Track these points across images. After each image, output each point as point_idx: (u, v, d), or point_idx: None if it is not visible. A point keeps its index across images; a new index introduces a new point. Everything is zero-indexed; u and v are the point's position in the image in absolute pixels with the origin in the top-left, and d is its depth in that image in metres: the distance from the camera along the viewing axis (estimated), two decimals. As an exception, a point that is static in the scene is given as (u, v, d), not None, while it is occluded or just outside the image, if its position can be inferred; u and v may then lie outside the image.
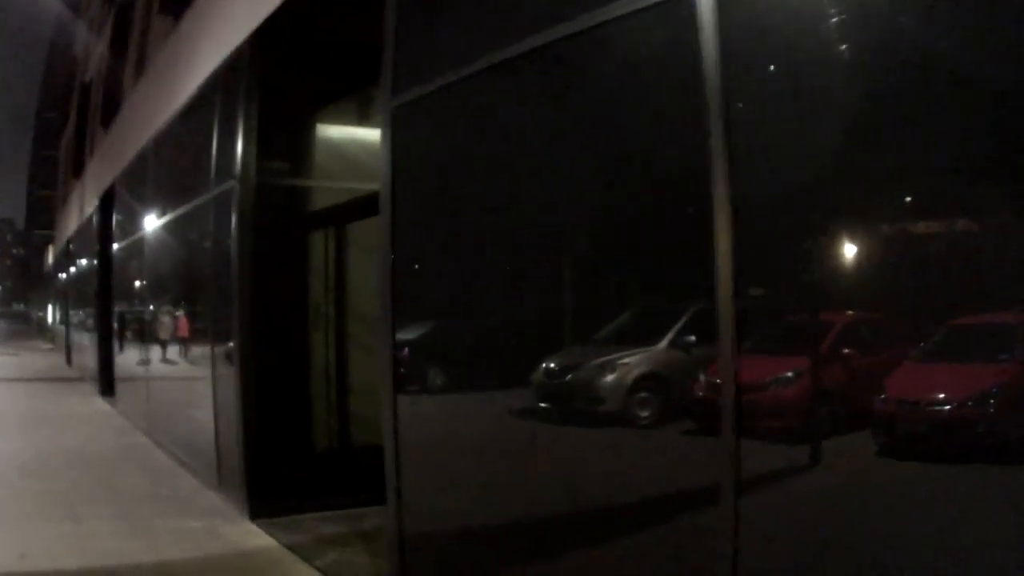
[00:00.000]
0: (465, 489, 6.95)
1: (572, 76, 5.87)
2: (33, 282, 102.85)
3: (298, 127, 12.12)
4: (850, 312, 4.31)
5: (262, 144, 11.28)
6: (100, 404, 23.99)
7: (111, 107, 24.98)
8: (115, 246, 23.07)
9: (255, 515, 10.80)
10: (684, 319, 5.27)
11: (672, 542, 4.97)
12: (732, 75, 4.40)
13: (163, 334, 17.73)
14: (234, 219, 11.25)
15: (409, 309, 7.71)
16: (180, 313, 16.69)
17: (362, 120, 12.36)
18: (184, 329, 16.38)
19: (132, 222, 20.27)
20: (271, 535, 10.21)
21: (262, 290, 11.21)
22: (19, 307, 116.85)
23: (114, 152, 23.44)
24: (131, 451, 16.13)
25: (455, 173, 7.37)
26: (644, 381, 5.56)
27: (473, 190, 7.11)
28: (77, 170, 35.07)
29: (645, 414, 5.56)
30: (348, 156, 12.22)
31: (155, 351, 18.15)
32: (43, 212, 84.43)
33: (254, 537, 10.23)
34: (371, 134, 12.03)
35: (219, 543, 9.95)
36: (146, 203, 18.06)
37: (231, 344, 11.63)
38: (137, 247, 19.59)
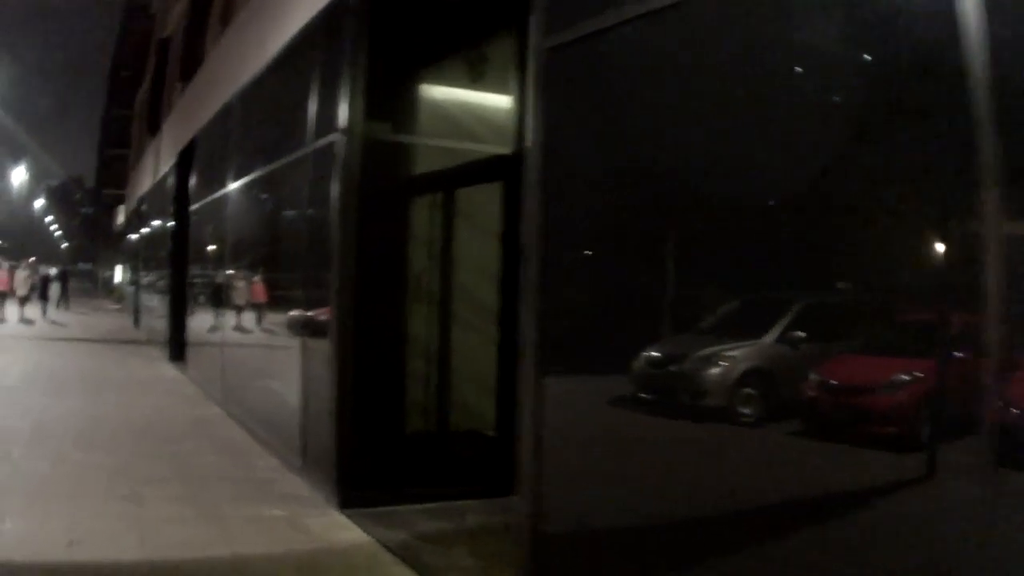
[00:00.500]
0: (610, 484, 6.22)
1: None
2: (101, 241, 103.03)
3: (408, 80, 11.20)
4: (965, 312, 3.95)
5: (370, 95, 10.29)
6: (169, 370, 23.23)
7: (192, 62, 24.42)
8: (192, 206, 22.34)
9: (345, 504, 9.85)
10: (792, 313, 5.07)
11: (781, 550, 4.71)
12: None
13: (238, 299, 17.06)
14: (337, 176, 10.29)
15: (558, 281, 6.77)
16: (257, 278, 16.05)
17: (475, 79, 11.45)
18: (260, 294, 15.75)
19: (211, 181, 19.54)
20: (364, 529, 9.20)
21: (364, 256, 10.28)
22: (86, 266, 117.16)
23: (194, 108, 22.83)
24: (202, 423, 15.24)
25: (615, 129, 6.34)
26: (750, 376, 5.37)
27: (632, 151, 6.17)
28: (152, 127, 34.66)
29: (748, 411, 5.38)
30: (459, 116, 11.30)
31: (230, 316, 17.53)
32: (114, 171, 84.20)
33: (344, 531, 9.23)
34: (483, 95, 11.34)
35: (304, 536, 8.95)
36: (228, 161, 17.28)
37: (325, 313, 10.79)
38: (215, 207, 18.89)
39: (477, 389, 11.41)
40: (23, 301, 38.13)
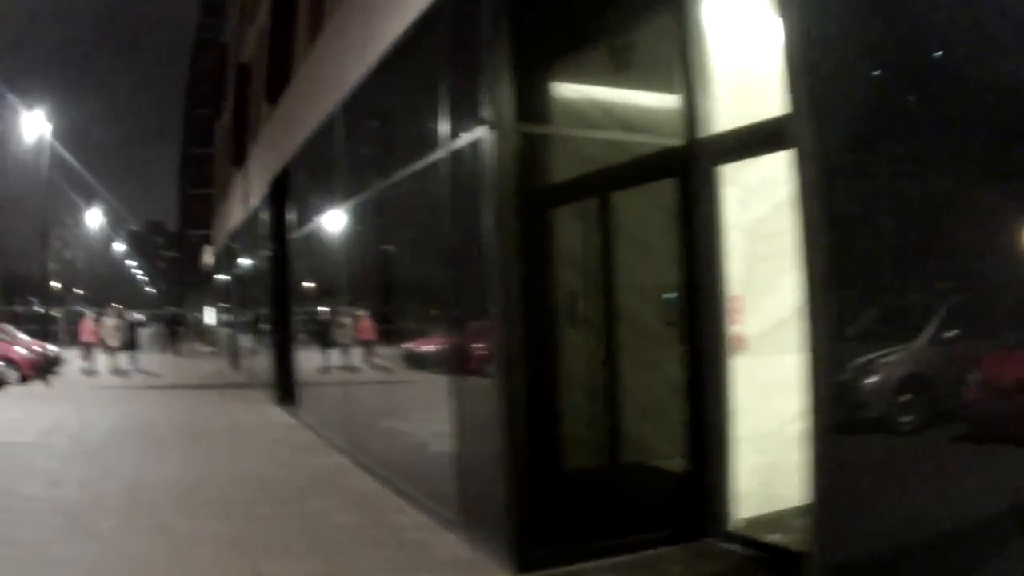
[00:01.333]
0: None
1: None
2: (188, 284, 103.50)
3: (558, 61, 10.14)
4: None
5: (519, 80, 8.92)
6: (278, 415, 21.96)
7: (278, 83, 23.23)
8: (292, 235, 21.16)
9: (524, 567, 8.43)
10: (943, 313, 5.04)
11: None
12: None
13: (362, 334, 15.93)
14: (486, 178, 8.90)
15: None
16: (363, 312, 15.59)
17: (632, 60, 10.21)
18: (369, 331, 15.31)
19: (314, 206, 18.48)
20: (554, 603, 7.72)
21: (528, 273, 8.88)
22: (175, 310, 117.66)
23: (286, 130, 21.70)
24: (326, 475, 13.80)
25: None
26: (907, 382, 5.39)
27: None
28: (237, 159, 33.82)
29: (908, 419, 5.48)
30: (618, 103, 10.06)
31: (352, 353, 16.29)
32: (196, 211, 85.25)
33: (536, 607, 7.75)
34: (643, 79, 10.14)
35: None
36: (334, 181, 16.04)
37: (479, 343, 9.53)
38: (321, 234, 17.79)
39: (654, 421, 10.23)
40: (113, 351, 36.31)
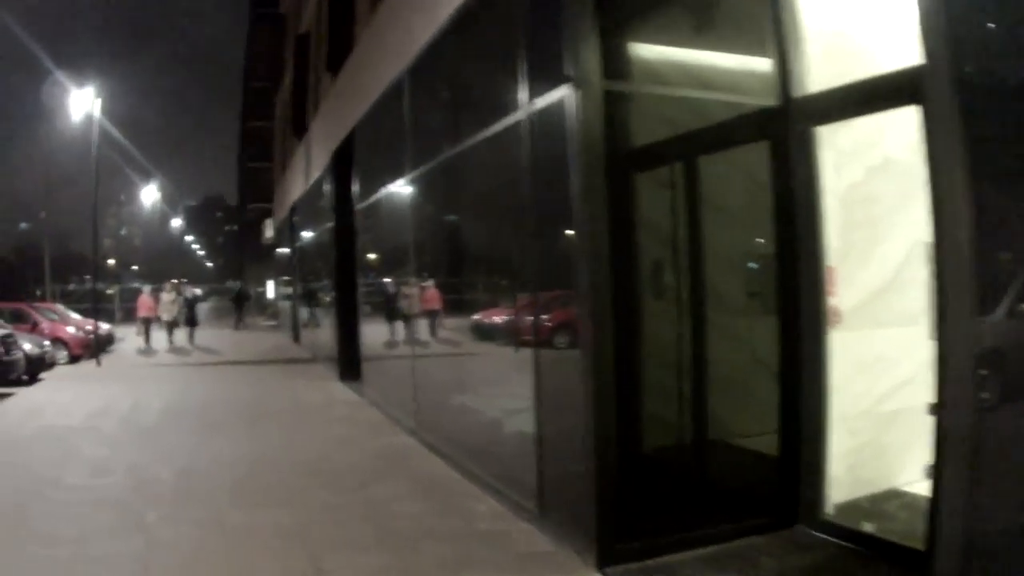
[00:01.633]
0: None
1: None
2: (247, 258, 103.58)
3: (642, 14, 9.42)
4: None
5: (604, 33, 8.30)
6: (342, 391, 21.45)
7: (339, 51, 22.73)
8: (358, 205, 20.59)
9: (606, 561, 7.89)
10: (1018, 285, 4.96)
11: None
12: None
13: (432, 305, 15.44)
14: (571, 139, 8.25)
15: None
16: (430, 283, 15.09)
17: (721, 14, 9.56)
18: (436, 301, 14.83)
19: (380, 175, 17.81)
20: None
21: (613, 240, 8.26)
22: (234, 283, 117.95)
23: (349, 98, 21.18)
24: (393, 457, 13.26)
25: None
26: (987, 357, 5.14)
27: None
28: (298, 130, 33.42)
29: (986, 396, 5.17)
30: (707, 60, 9.26)
31: (421, 326, 15.71)
32: (257, 185, 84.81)
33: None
34: (733, 34, 9.50)
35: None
36: (401, 148, 15.50)
37: (563, 316, 8.97)
38: (389, 203, 17.34)
39: (744, 399, 9.59)
40: (170, 327, 36.64)
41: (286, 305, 46.23)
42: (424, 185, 14.68)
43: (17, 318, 30.92)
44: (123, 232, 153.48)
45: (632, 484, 8.43)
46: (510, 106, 9.85)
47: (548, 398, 9.21)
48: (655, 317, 9.43)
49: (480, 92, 11.73)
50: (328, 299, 26.52)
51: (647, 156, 9.36)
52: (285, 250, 44.14)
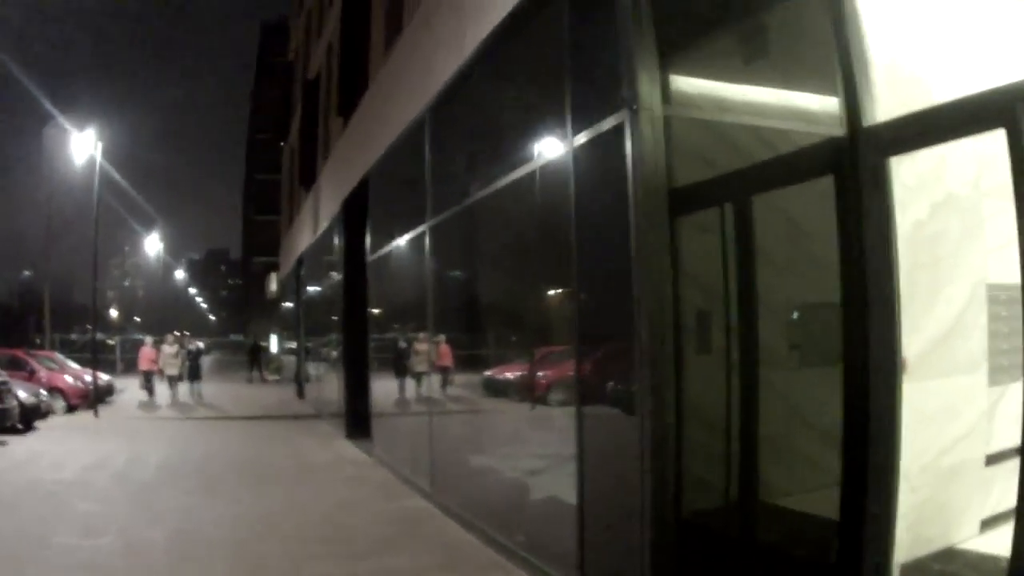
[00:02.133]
0: None
1: None
2: (251, 311, 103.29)
3: (701, 33, 8.55)
4: None
5: (663, 54, 7.57)
6: (349, 450, 20.51)
7: (350, 94, 22.14)
8: (370, 257, 19.83)
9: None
10: None
11: None
12: None
13: (422, 365, 15.25)
14: (630, 171, 7.46)
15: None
16: (441, 337, 14.45)
17: (768, 46, 8.80)
18: (449, 357, 14.28)
19: (391, 226, 17.29)
20: None
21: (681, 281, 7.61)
22: (237, 338, 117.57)
23: (360, 145, 20.53)
24: (408, 522, 12.33)
25: None
26: None
27: None
28: (306, 180, 32.79)
29: None
30: (770, 84, 8.47)
31: (429, 383, 15.15)
32: (260, 238, 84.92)
33: None
34: (797, 57, 8.73)
35: None
36: (416, 196, 14.79)
37: (614, 368, 8.12)
38: (399, 256, 16.80)
39: (798, 461, 8.73)
40: (172, 381, 34.76)
41: (289, 360, 45.80)
42: (443, 234, 13.88)
43: (14, 365, 29.88)
44: (126, 283, 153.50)
45: (691, 554, 7.61)
46: (549, 140, 9.17)
47: (594, 460, 8.34)
48: (706, 370, 8.54)
49: (513, 128, 10.95)
50: (334, 354, 25.83)
51: (705, 189, 8.49)
52: (290, 304, 43.83)
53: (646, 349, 7.29)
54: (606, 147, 7.81)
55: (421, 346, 15.27)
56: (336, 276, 24.55)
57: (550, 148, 9.16)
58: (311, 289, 33.79)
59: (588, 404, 8.53)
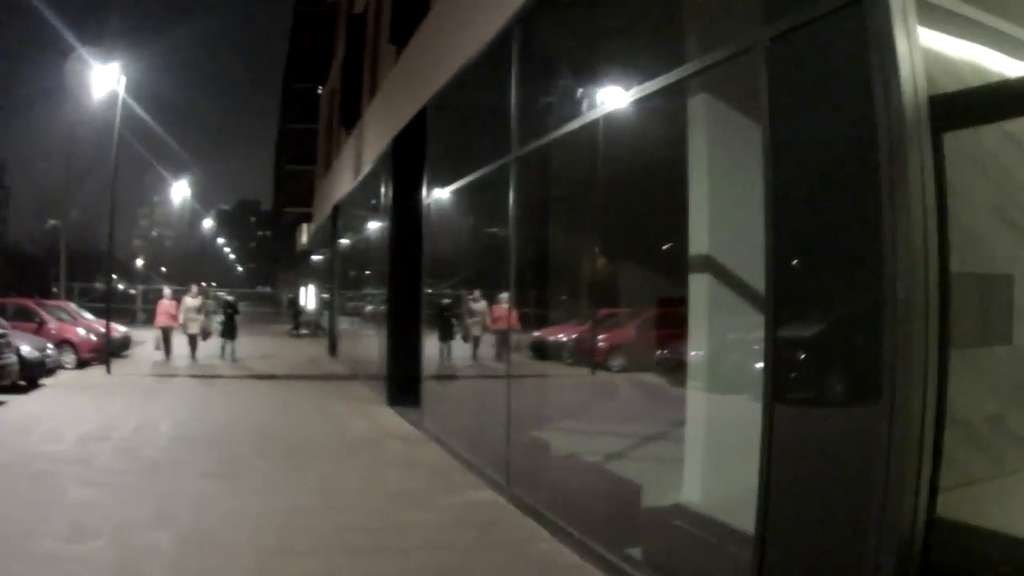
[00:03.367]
0: None
1: None
2: (281, 263, 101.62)
3: None
4: None
5: None
6: (393, 420, 18.04)
7: (406, 20, 19.79)
8: (428, 196, 17.30)
9: None
10: None
11: None
12: None
13: (476, 328, 14.38)
14: (876, 64, 5.20)
15: None
16: (504, 295, 12.47)
17: None
18: (508, 319, 12.22)
19: (459, 160, 14.96)
20: None
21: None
22: (265, 289, 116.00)
23: (418, 73, 18.11)
24: (481, 526, 9.87)
25: None
26: None
27: None
28: (348, 121, 30.71)
29: None
30: None
31: (504, 345, 12.91)
32: (293, 189, 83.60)
33: None
34: None
35: None
36: (497, 122, 12.28)
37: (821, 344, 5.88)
38: (470, 195, 14.55)
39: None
40: (194, 340, 30.99)
41: (322, 314, 44.47)
42: (534, 167, 11.56)
43: (22, 316, 28.03)
44: (154, 233, 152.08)
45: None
46: (713, 37, 6.96)
47: (792, 454, 5.94)
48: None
49: (645, 25, 8.72)
50: (376, 309, 23.66)
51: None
52: (323, 256, 42.52)
53: (901, 322, 4.98)
54: (825, 37, 5.59)
55: (499, 305, 13.06)
56: (381, 223, 22.37)
57: (716, 46, 6.85)
58: (348, 239, 31.78)
59: (782, 390, 6.01)
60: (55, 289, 49.46)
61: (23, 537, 8.63)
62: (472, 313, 14.50)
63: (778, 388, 5.87)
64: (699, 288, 7.84)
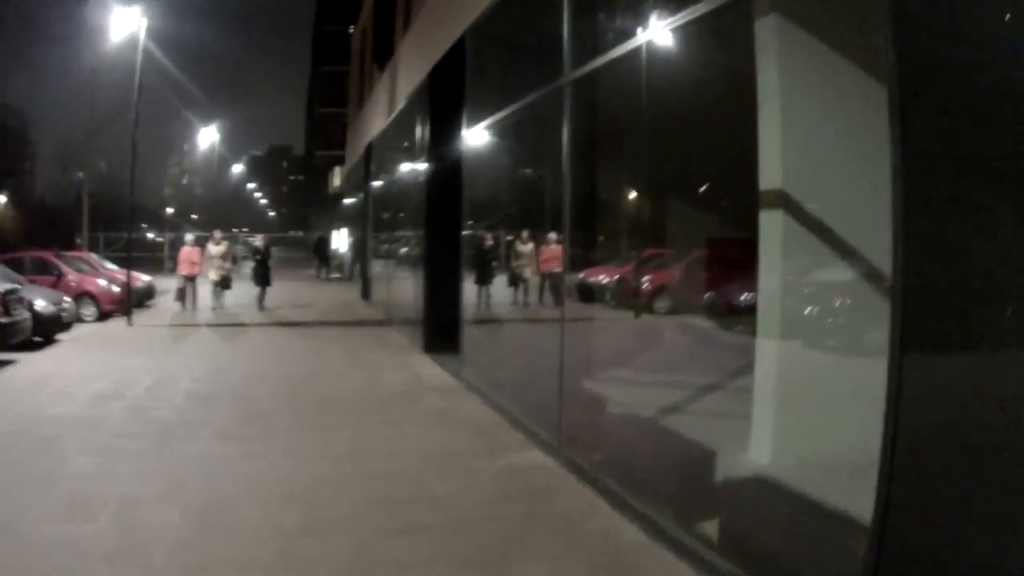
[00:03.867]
0: None
1: None
2: (313, 207, 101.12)
3: None
4: None
5: None
6: (429, 369, 16.93)
7: None
8: (465, 131, 15.88)
9: None
10: None
11: None
12: None
13: (525, 271, 13.75)
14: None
15: None
16: (553, 235, 12.15)
17: None
18: (560, 259, 11.27)
19: (504, 87, 13.65)
20: None
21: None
22: (297, 234, 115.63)
23: (454, 4, 16.85)
24: (531, 496, 8.74)
25: None
26: None
27: None
28: (381, 56, 29.82)
29: None
30: None
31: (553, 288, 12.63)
32: (325, 132, 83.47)
33: None
34: None
35: None
36: (547, 45, 10.95)
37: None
38: (517, 125, 13.22)
39: None
40: (217, 288, 29.44)
41: (355, 257, 43.82)
42: (594, 90, 10.35)
43: (41, 269, 27.17)
44: (184, 181, 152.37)
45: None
46: None
47: (927, 415, 4.78)
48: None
49: None
50: (411, 251, 22.72)
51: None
52: (355, 198, 41.73)
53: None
54: None
55: (548, 245, 12.62)
56: (417, 161, 21.16)
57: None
58: (382, 179, 30.66)
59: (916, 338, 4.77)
60: (79, 240, 48.76)
61: (16, 517, 7.60)
62: (519, 255, 13.73)
63: (909, 336, 4.67)
64: (771, 226, 6.96)
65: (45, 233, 58.26)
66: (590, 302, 11.21)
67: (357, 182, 39.54)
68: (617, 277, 10.96)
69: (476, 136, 15.46)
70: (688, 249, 9.95)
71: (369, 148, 33.61)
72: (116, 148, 64.64)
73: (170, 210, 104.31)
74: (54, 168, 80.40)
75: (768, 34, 7.00)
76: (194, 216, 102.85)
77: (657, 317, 9.17)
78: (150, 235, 70.04)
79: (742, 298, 7.95)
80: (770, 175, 6.97)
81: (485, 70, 15.54)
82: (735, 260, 7.85)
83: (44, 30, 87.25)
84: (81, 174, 64.42)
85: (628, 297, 9.91)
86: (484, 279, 15.87)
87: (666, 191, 9.70)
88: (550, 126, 10.90)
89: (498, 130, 14.34)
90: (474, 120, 15.41)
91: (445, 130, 17.84)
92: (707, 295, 8.99)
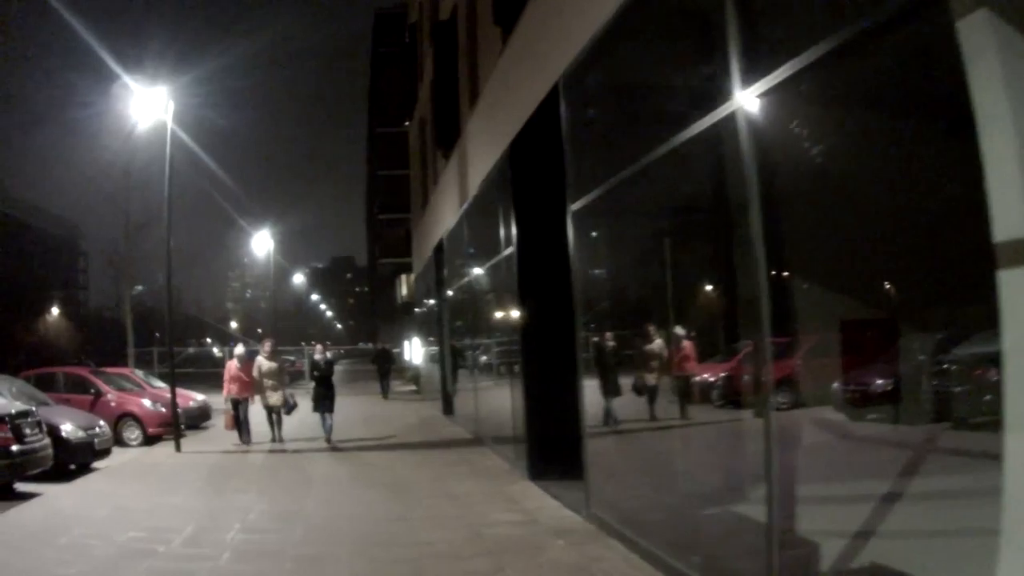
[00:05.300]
0: None
1: None
2: (380, 318, 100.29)
3: None
4: None
5: None
6: (541, 501, 13.88)
7: (511, 6, 16.86)
8: (573, 205, 13.03)
9: None
10: None
11: None
12: None
13: (651, 377, 11.14)
14: None
15: None
16: (681, 331, 10.31)
17: None
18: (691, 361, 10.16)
19: (617, 147, 11.73)
20: None
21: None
22: (366, 346, 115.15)
23: (544, 38, 14.36)
24: None
25: None
26: None
27: None
28: (445, 140, 27.93)
29: None
30: None
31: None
32: (387, 239, 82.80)
33: None
34: None
35: None
36: (698, 60, 8.95)
37: None
38: (663, 179, 10.22)
39: None
40: (274, 413, 24.08)
41: (430, 368, 40.52)
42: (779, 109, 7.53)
43: (76, 387, 25.17)
44: (248, 295, 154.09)
45: None
46: None
47: None
48: None
49: None
50: (501, 357, 20.75)
51: None
52: (427, 305, 39.04)
53: None
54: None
55: (682, 343, 10.39)
56: (500, 253, 18.48)
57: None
58: (457, 280, 27.96)
59: None
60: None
61: None
62: (649, 355, 10.97)
63: None
64: (1019, 288, 5.23)
65: (99, 347, 57.81)
66: (691, 403, 10.15)
67: (427, 288, 37.37)
68: (724, 374, 9.58)
69: (590, 208, 12.51)
70: (805, 334, 8.37)
71: (440, 248, 31.14)
72: (180, 264, 63.82)
73: (234, 324, 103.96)
74: (105, 279, 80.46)
75: (978, 35, 5.32)
76: (259, 330, 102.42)
77: (782, 413, 7.46)
78: (215, 350, 68.61)
79: (878, 383, 7.29)
80: (1008, 221, 5.18)
81: (595, 120, 12.99)
82: (869, 343, 7.20)
83: (86, 132, 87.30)
84: (139, 287, 63.87)
85: (739, 394, 8.64)
86: (612, 389, 12.83)
87: (798, 264, 7.90)
88: (714, 163, 8.54)
89: (623, 193, 11.27)
90: (581, 191, 12.63)
91: (538, 205, 15.75)
92: (836, 385, 7.79)
